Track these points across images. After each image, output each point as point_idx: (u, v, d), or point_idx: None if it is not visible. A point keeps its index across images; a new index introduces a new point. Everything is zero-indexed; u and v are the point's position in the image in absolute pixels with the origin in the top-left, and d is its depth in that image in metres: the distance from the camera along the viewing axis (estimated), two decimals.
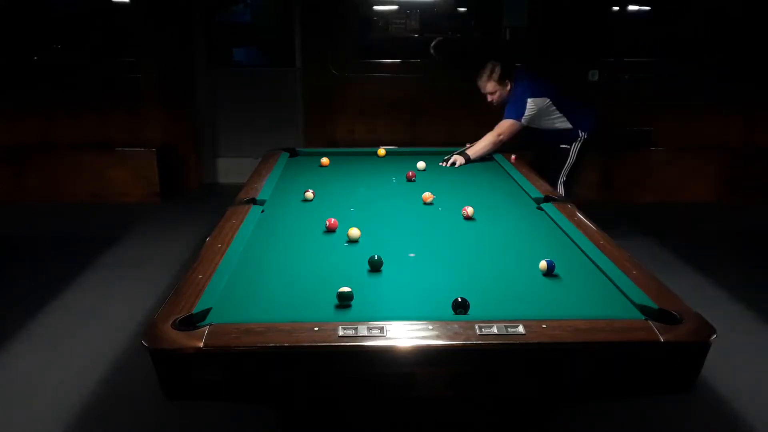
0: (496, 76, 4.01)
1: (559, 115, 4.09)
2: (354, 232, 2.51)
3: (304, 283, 2.12)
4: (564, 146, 4.19)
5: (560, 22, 5.77)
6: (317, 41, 5.90)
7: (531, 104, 3.97)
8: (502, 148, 4.04)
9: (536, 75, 4.17)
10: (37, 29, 5.87)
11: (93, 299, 3.82)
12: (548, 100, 4.03)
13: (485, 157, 3.99)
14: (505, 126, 3.99)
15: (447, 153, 3.98)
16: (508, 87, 4.05)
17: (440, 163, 3.89)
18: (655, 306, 1.87)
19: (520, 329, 1.69)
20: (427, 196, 3.05)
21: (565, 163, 4.19)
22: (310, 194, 3.10)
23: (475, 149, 3.96)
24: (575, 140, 4.17)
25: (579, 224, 2.65)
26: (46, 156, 5.77)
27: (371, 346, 1.65)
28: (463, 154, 3.91)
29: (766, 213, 5.50)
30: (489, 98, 4.10)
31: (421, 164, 3.75)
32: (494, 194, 3.29)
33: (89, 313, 3.64)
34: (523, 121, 3.98)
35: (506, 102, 4.07)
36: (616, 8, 5.91)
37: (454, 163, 3.86)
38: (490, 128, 4.03)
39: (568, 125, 4.13)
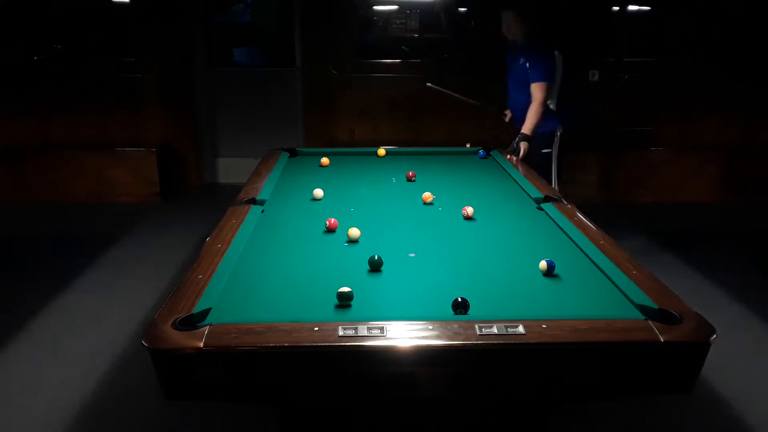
0: (522, 12, 4.05)
1: (555, 94, 4.10)
2: (354, 232, 2.51)
3: (304, 283, 2.12)
4: (545, 150, 4.13)
5: (560, 22, 5.77)
6: (317, 41, 5.90)
7: (557, 57, 4.04)
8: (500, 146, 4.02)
9: None
10: (36, 29, 5.87)
11: (93, 299, 3.82)
12: (561, 56, 4.08)
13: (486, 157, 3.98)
14: (539, 90, 3.95)
15: (447, 152, 3.97)
16: (525, 31, 4.04)
17: (508, 157, 3.85)
18: (655, 306, 1.87)
19: (520, 329, 1.69)
20: (427, 196, 3.05)
21: (551, 169, 4.12)
22: (319, 192, 3.11)
23: (530, 124, 3.94)
24: (554, 140, 4.13)
25: (579, 224, 2.65)
26: (46, 156, 5.77)
27: (371, 346, 1.65)
28: (523, 137, 3.89)
29: (766, 213, 5.50)
30: (504, 27, 4.10)
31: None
32: (494, 194, 3.29)
33: (89, 313, 3.65)
34: (552, 81, 4.00)
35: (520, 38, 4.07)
36: (616, 8, 5.91)
37: (524, 151, 3.87)
38: (490, 128, 4.03)
39: (553, 109, 4.10)
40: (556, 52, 4.06)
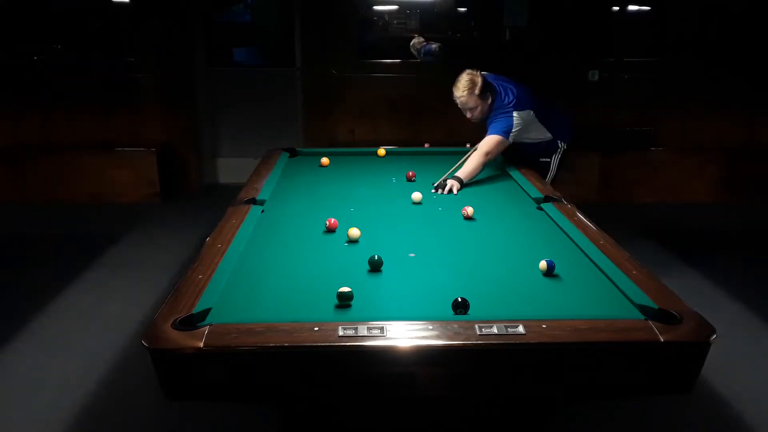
0: (477, 89, 3.52)
1: (541, 127, 3.74)
2: (354, 232, 2.52)
3: (304, 283, 2.13)
4: (544, 159, 3.86)
5: (560, 22, 5.77)
6: (317, 41, 5.90)
7: (517, 119, 3.56)
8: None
9: (513, 83, 3.73)
10: (36, 29, 5.86)
11: (93, 299, 3.81)
12: (532, 111, 3.65)
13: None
14: (492, 143, 3.56)
15: (447, 152, 3.96)
16: (489, 100, 3.61)
17: (433, 191, 3.34)
18: (655, 306, 1.87)
19: (520, 329, 1.69)
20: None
21: (546, 177, 3.84)
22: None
23: (467, 171, 3.46)
24: (555, 152, 3.88)
25: (579, 224, 2.65)
26: (46, 156, 5.76)
27: (371, 346, 1.65)
28: (456, 178, 3.40)
29: (766, 213, 5.50)
30: (469, 114, 3.66)
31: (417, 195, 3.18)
32: (494, 194, 3.29)
33: (89, 313, 3.64)
34: (510, 138, 3.57)
35: (487, 115, 3.68)
36: (616, 8, 5.91)
37: (451, 190, 3.32)
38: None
39: (549, 136, 3.79)
40: (522, 112, 3.59)
